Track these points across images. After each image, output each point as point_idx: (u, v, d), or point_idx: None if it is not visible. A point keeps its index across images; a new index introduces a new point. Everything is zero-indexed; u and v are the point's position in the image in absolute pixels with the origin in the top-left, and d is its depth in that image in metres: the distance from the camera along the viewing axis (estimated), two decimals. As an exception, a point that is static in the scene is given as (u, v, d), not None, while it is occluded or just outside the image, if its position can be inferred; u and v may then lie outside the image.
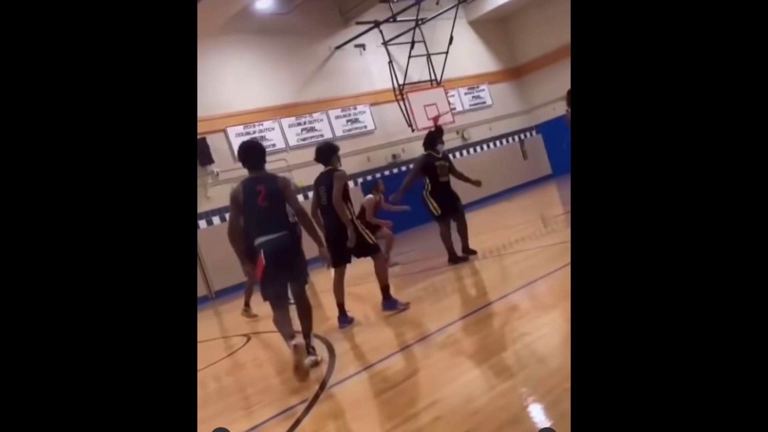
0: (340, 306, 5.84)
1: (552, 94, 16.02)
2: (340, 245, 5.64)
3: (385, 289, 5.79)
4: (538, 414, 2.76)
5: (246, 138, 13.50)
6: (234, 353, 6.24)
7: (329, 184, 5.59)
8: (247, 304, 7.77)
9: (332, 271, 5.93)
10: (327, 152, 5.80)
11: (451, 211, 7.36)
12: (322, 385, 4.04)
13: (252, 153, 4.64)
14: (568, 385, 2.87)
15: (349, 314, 5.83)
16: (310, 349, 4.63)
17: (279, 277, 4.49)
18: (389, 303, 5.77)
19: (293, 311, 4.75)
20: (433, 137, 7.68)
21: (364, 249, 5.77)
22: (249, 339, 6.69)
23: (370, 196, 9.19)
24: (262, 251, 4.42)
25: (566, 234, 7.38)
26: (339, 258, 5.77)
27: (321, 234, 5.08)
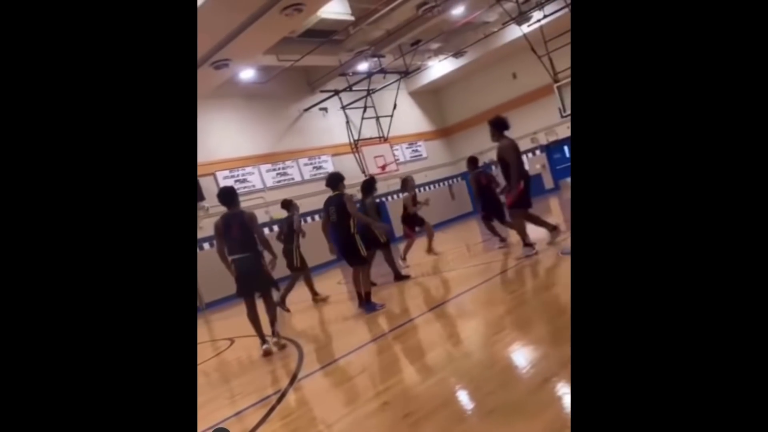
0: (359, 295, 5.81)
1: (472, 149, 16.29)
2: (349, 252, 5.77)
3: (367, 294, 5.77)
4: (464, 397, 2.76)
5: (231, 180, 13.45)
6: (220, 353, 6.09)
7: (339, 204, 5.70)
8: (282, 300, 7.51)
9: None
10: (335, 180, 5.92)
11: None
12: (293, 379, 3.98)
13: (226, 196, 5.11)
14: (488, 374, 2.92)
15: (377, 303, 5.82)
16: (275, 333, 5.16)
17: (247, 283, 5.00)
18: (370, 306, 5.73)
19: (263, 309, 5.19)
20: (372, 184, 7.59)
21: (356, 259, 5.78)
22: (233, 342, 6.53)
23: (405, 194, 8.82)
24: (234, 265, 4.97)
25: (485, 257, 7.51)
26: (353, 261, 5.82)
27: (275, 252, 5.29)
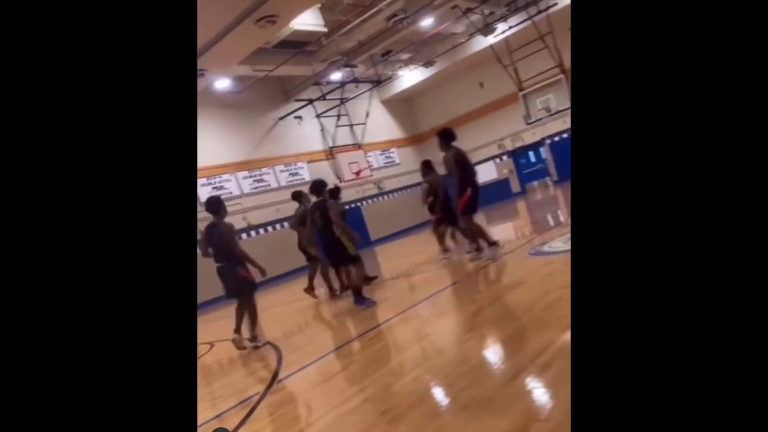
0: (359, 290, 5.85)
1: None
2: (336, 254, 5.89)
3: (358, 289, 5.81)
4: (440, 393, 2.80)
5: (209, 187, 13.31)
6: (201, 357, 6.02)
7: (322, 210, 5.81)
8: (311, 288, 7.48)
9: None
10: (320, 186, 6.03)
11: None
12: (273, 379, 3.97)
13: (210, 205, 5.36)
14: (461, 370, 2.96)
15: (371, 298, 5.87)
16: (253, 337, 5.33)
17: (227, 288, 5.32)
18: (360, 300, 5.77)
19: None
20: (336, 193, 7.52)
21: (347, 259, 5.82)
22: (213, 346, 6.46)
23: (425, 184, 8.13)
24: (217, 272, 5.23)
25: (456, 258, 7.57)
26: (335, 262, 6.07)
27: (255, 261, 5.38)
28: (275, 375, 4.09)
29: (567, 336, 2.96)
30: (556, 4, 13.88)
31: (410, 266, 8.36)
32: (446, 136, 6.44)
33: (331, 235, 5.76)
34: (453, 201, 6.93)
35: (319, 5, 11.05)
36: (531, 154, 19.24)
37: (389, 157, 18.87)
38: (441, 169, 7.00)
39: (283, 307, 7.61)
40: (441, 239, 7.70)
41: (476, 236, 6.55)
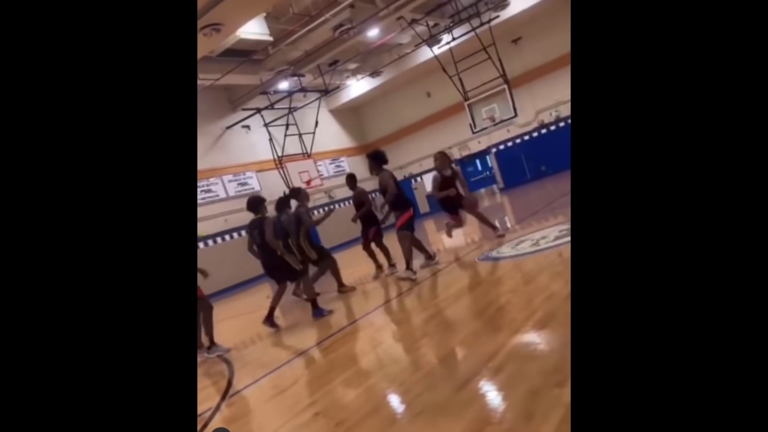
0: (272, 310, 5.84)
1: (392, 165, 16.65)
2: (276, 271, 5.79)
3: (313, 301, 5.72)
4: (395, 401, 2.78)
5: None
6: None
7: (261, 227, 5.62)
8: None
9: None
10: (256, 203, 5.77)
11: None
12: (224, 395, 3.85)
13: None
14: (415, 377, 2.96)
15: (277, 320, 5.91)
16: (199, 345, 5.34)
17: None
18: (318, 311, 5.68)
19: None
20: (298, 193, 7.49)
21: (292, 274, 5.75)
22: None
23: (435, 173, 7.38)
24: None
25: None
26: (278, 279, 5.91)
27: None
28: (227, 389, 3.97)
29: (517, 339, 3.02)
30: (498, 17, 14.29)
31: (364, 275, 8.34)
32: (378, 159, 6.57)
33: (274, 253, 5.66)
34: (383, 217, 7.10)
35: (264, 14, 10.94)
36: (478, 162, 19.66)
37: (339, 166, 18.85)
38: (365, 185, 7.04)
39: (236, 319, 7.43)
40: (386, 253, 7.61)
41: (407, 254, 6.50)
